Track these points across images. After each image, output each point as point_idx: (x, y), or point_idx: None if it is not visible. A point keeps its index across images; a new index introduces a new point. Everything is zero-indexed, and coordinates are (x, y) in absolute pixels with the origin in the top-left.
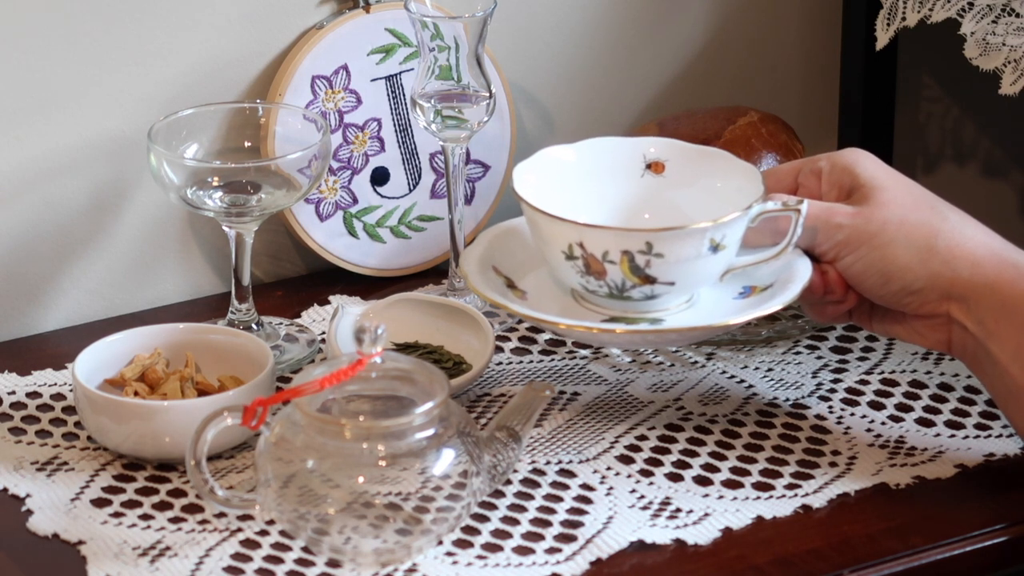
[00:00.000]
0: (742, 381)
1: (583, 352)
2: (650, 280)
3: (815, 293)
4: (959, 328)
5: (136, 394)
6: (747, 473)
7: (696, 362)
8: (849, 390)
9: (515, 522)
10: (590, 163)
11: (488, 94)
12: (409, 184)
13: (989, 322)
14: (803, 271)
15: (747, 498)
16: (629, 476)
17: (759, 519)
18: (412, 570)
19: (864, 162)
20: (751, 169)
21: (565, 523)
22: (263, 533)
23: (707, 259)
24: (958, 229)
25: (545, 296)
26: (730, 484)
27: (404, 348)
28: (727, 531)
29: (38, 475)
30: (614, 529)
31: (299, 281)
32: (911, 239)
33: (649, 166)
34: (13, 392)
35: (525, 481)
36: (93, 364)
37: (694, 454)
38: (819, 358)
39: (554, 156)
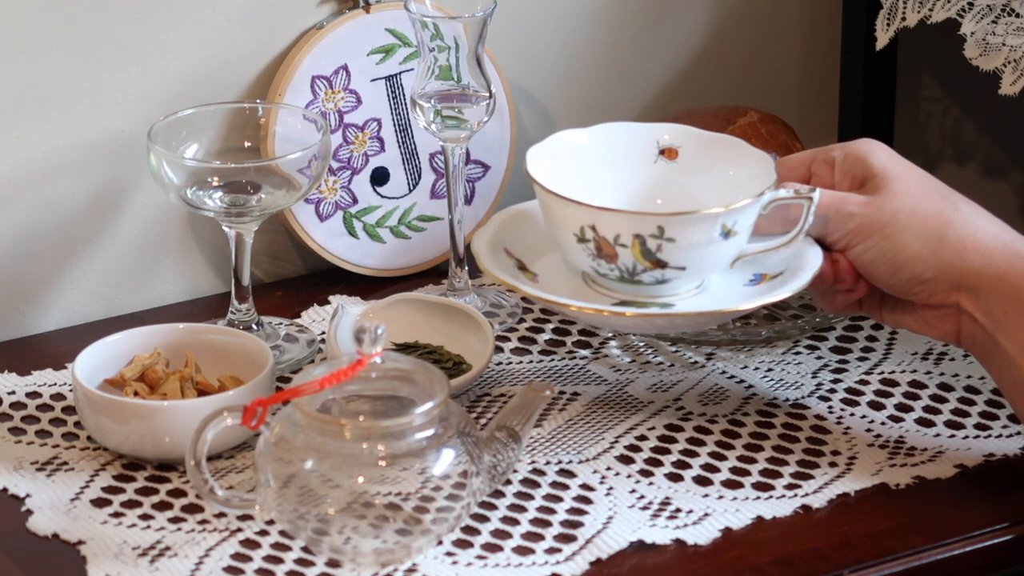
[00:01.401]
0: (742, 381)
1: (583, 352)
2: (661, 264)
3: (825, 282)
4: (968, 319)
5: (136, 394)
6: (747, 473)
7: (696, 362)
8: (849, 390)
9: (515, 522)
10: (603, 148)
11: (488, 94)
12: (409, 184)
13: (998, 313)
14: (814, 259)
15: (747, 498)
16: (629, 476)
17: (759, 519)
18: (412, 570)
19: (877, 152)
20: (764, 157)
21: (565, 523)
22: (263, 533)
23: (718, 245)
24: (969, 220)
25: (556, 279)
26: (730, 484)
27: (404, 348)
28: (727, 531)
29: (38, 475)
30: (614, 529)
31: (299, 281)
32: (922, 229)
33: (662, 152)
34: (13, 392)
35: (525, 481)
36: (93, 364)
37: (694, 454)
38: (819, 358)
39: (568, 140)
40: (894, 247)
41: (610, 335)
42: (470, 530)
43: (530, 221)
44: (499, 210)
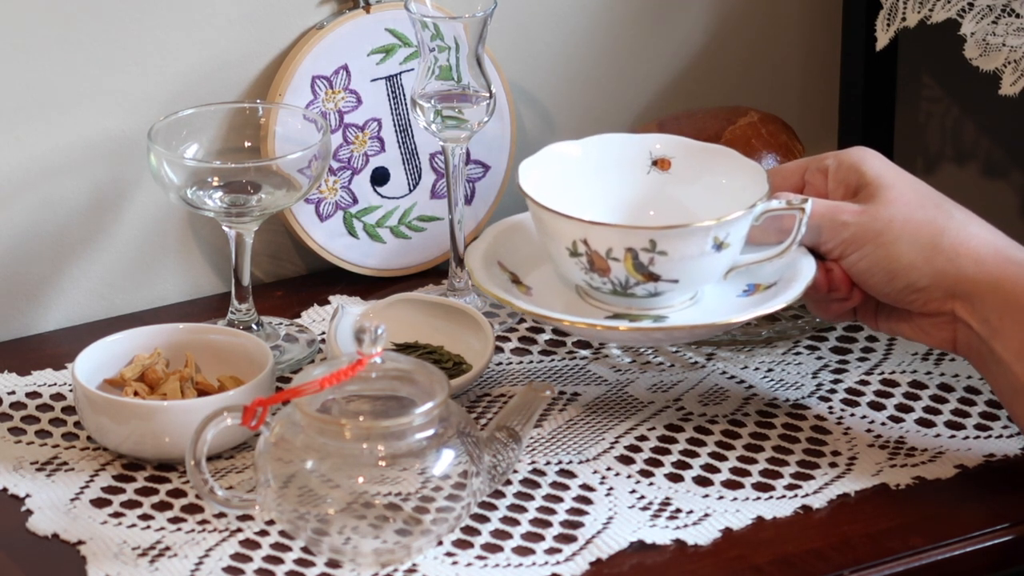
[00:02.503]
0: (742, 381)
1: (583, 352)
2: (654, 277)
3: (820, 290)
4: (964, 326)
5: (136, 394)
6: (747, 473)
7: (696, 362)
8: (849, 390)
9: (515, 522)
10: (596, 159)
11: (488, 94)
12: (409, 184)
13: (993, 320)
14: (807, 270)
15: (747, 498)
16: (629, 476)
17: (759, 519)
18: (412, 570)
19: (871, 160)
20: (756, 168)
21: (565, 523)
22: (263, 533)
23: (711, 257)
24: (963, 227)
25: (550, 292)
26: (730, 484)
27: (404, 348)
28: (727, 531)
29: (38, 475)
30: (614, 529)
31: (299, 281)
32: (916, 237)
33: (655, 163)
34: (13, 392)
35: (525, 481)
36: (93, 364)
37: (694, 454)
38: (819, 358)
39: (560, 152)
40: (888, 256)
41: None
42: (470, 530)
43: (524, 233)
44: (497, 212)
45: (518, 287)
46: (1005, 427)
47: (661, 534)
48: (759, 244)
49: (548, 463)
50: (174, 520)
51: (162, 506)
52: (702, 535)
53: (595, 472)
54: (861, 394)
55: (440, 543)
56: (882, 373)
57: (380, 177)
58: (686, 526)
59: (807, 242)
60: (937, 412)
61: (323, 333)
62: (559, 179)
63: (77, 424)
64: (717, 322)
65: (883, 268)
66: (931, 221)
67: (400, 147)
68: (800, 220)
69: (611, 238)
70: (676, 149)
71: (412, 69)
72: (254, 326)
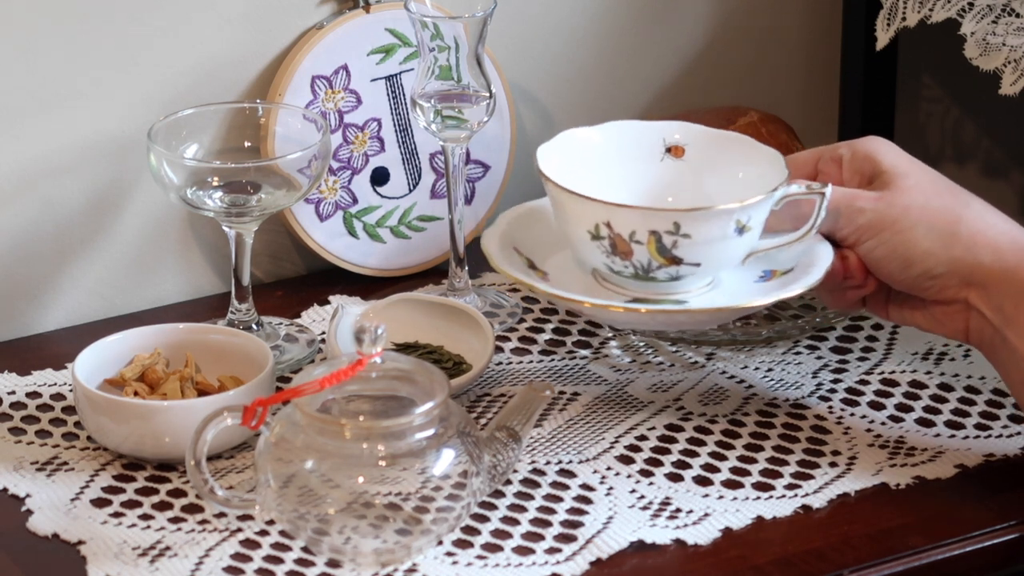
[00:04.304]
0: (742, 381)
1: (583, 352)
2: (676, 261)
3: (835, 278)
4: (977, 315)
5: (136, 394)
6: (747, 473)
7: (696, 362)
8: (849, 390)
9: (515, 522)
10: (611, 145)
11: (488, 94)
12: (409, 184)
13: (1008, 308)
14: (825, 256)
15: (747, 498)
16: (629, 476)
17: (759, 519)
18: (412, 570)
19: (885, 150)
20: (774, 153)
21: (565, 523)
22: (263, 533)
23: (733, 240)
24: (980, 216)
25: (567, 277)
26: (730, 484)
27: (404, 348)
28: (727, 531)
29: (38, 475)
30: (614, 529)
31: (299, 281)
32: (934, 224)
33: (669, 150)
34: (13, 392)
35: (525, 481)
36: (93, 364)
37: (694, 454)
38: (819, 358)
39: (577, 137)
40: (905, 242)
41: (610, 335)
42: (470, 530)
43: (538, 220)
44: (499, 210)
45: (535, 272)
46: (1005, 427)
47: (661, 534)
48: (775, 232)
49: (548, 463)
50: (174, 520)
51: (162, 506)
52: (702, 535)
53: (595, 472)
54: (861, 394)
55: (440, 543)
56: (882, 373)
57: (380, 177)
58: (686, 526)
59: (824, 229)
60: (937, 412)
61: (323, 333)
62: (575, 165)
63: (77, 424)
64: (740, 305)
65: (900, 255)
66: (949, 209)
67: (400, 147)
68: (820, 204)
69: (635, 220)
70: (690, 136)
71: (412, 69)
72: (254, 326)
